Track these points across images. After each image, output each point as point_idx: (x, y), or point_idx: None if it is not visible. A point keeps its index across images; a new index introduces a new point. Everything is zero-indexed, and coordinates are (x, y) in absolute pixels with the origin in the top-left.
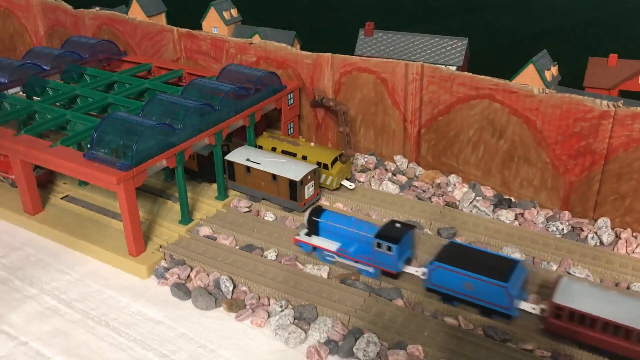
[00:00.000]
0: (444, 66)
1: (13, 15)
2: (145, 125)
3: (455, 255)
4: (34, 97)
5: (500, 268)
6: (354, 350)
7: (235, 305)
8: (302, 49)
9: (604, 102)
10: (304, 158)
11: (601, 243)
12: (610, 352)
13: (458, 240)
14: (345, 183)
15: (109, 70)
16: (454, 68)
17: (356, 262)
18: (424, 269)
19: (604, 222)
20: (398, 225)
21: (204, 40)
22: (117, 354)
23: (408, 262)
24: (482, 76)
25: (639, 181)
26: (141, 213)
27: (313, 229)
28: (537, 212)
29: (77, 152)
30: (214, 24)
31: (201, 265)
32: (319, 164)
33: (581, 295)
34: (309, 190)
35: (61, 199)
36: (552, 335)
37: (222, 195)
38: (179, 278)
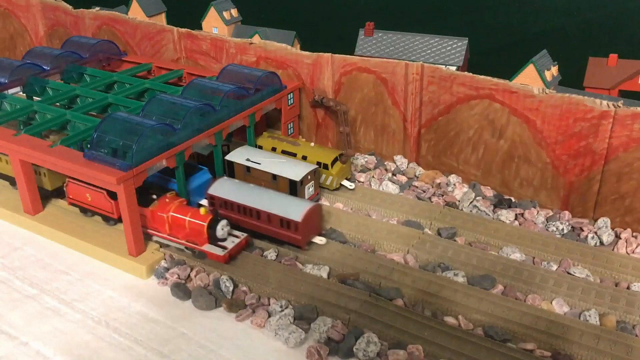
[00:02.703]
0: (444, 66)
1: (13, 15)
2: (145, 125)
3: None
4: (34, 97)
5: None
6: (354, 350)
7: (235, 305)
8: (302, 49)
9: (604, 102)
10: (304, 158)
11: (601, 243)
12: (248, 230)
13: (458, 240)
14: (345, 183)
15: (109, 70)
16: (454, 68)
17: None
18: None
19: (604, 222)
20: None
21: (204, 40)
22: (117, 354)
23: None
24: (482, 76)
25: (639, 181)
26: None
27: None
28: (537, 212)
29: (77, 152)
30: (214, 24)
31: (201, 265)
32: (319, 164)
33: (228, 188)
34: (309, 190)
35: None
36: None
37: None
38: (179, 278)
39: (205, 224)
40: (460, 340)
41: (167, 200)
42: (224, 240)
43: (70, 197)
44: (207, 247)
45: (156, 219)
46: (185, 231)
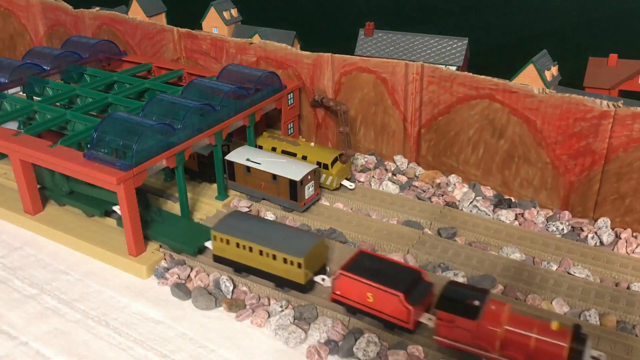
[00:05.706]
0: (444, 66)
1: (13, 15)
2: (145, 125)
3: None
4: (34, 97)
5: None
6: (354, 350)
7: (235, 305)
8: (302, 49)
9: (604, 102)
10: (304, 158)
11: (601, 243)
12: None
13: (458, 240)
14: (345, 183)
15: (109, 70)
16: (454, 68)
17: None
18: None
19: (604, 222)
20: None
21: (204, 40)
22: (117, 354)
23: None
24: (482, 76)
25: (639, 181)
26: None
27: None
28: (537, 212)
29: (77, 152)
30: (214, 24)
31: (201, 265)
32: (319, 164)
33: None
34: (309, 190)
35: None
36: None
37: (222, 195)
38: (179, 278)
39: (566, 345)
40: None
41: (493, 308)
42: None
43: (338, 292)
44: None
45: (483, 334)
46: (528, 352)
